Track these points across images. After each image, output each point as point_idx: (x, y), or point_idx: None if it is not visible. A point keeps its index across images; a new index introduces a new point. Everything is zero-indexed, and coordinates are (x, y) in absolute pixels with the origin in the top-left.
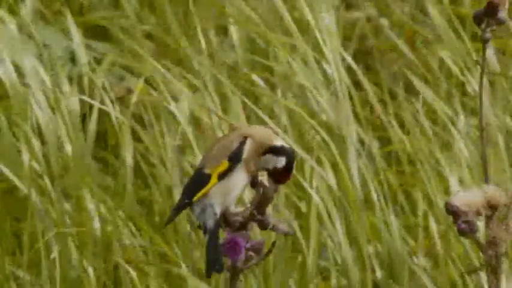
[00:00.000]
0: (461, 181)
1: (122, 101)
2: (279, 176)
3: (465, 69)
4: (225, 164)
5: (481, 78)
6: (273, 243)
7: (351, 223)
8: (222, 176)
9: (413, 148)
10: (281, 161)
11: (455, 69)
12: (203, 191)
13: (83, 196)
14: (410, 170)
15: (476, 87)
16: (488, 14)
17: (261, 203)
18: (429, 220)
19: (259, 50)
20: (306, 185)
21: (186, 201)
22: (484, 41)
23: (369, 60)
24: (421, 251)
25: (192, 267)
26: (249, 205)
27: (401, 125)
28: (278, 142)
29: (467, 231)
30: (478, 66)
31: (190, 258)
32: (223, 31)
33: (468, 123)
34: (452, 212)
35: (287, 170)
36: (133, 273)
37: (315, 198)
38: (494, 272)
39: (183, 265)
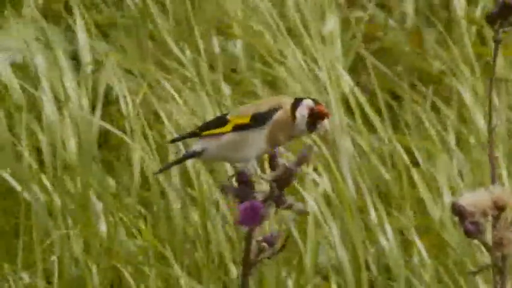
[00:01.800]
0: (452, 185)
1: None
2: (319, 114)
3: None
4: (246, 119)
5: (491, 79)
6: (287, 238)
7: (346, 224)
8: (237, 129)
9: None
10: (308, 102)
11: (464, 70)
12: (214, 131)
13: (88, 196)
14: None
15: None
16: (502, 15)
17: (282, 179)
18: (425, 220)
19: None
20: (300, 189)
21: (197, 131)
22: (497, 42)
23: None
24: (417, 252)
25: (188, 268)
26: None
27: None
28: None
29: (475, 232)
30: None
31: (187, 259)
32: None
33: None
34: (459, 212)
35: (319, 105)
36: (131, 274)
37: (310, 202)
38: (500, 273)
39: (177, 266)
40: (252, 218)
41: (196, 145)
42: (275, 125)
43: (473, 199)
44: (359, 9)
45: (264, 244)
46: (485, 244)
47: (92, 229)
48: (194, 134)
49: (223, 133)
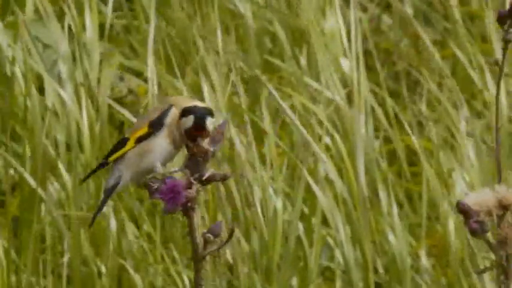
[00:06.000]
0: (465, 183)
1: (123, 101)
2: (190, 134)
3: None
4: (144, 129)
5: (500, 78)
6: (232, 228)
7: (355, 223)
8: (140, 140)
9: (415, 148)
10: (189, 120)
11: (465, 66)
12: (119, 152)
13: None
14: (413, 171)
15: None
16: None
17: (192, 163)
18: (432, 221)
19: (267, 50)
20: (311, 182)
21: (103, 161)
22: (507, 42)
23: (370, 60)
24: (424, 252)
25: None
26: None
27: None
28: (192, 103)
29: (479, 231)
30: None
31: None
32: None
33: (473, 124)
34: (464, 211)
35: (194, 127)
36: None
37: (320, 196)
38: (504, 272)
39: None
40: (174, 198)
41: (110, 177)
42: (171, 125)
43: (479, 198)
44: (359, 9)
45: (209, 235)
46: (489, 243)
47: (102, 228)
48: (102, 165)
49: (128, 150)
